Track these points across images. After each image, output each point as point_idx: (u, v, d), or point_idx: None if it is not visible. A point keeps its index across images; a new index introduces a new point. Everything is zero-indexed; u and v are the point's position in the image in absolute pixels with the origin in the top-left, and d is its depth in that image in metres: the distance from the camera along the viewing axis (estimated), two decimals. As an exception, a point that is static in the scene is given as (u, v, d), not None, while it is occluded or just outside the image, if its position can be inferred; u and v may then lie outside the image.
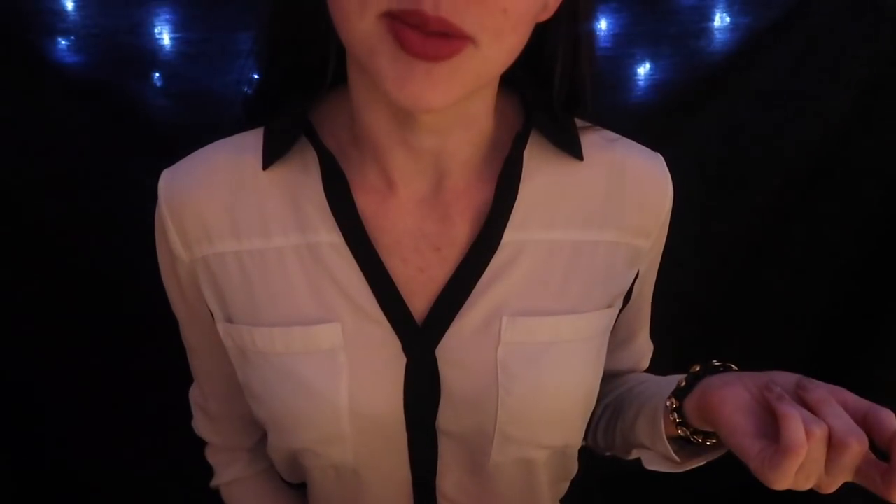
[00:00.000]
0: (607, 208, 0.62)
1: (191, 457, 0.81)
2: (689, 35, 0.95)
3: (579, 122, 0.63)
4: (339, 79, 0.58)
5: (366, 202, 0.59)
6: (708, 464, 0.64)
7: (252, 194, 0.60)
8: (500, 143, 0.60)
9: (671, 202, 0.65)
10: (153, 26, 0.88)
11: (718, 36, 0.95)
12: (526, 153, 0.60)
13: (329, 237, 0.59)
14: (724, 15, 0.95)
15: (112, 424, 1.05)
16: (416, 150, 0.57)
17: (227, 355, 0.64)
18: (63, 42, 0.87)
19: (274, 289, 0.59)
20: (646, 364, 0.79)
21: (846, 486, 0.51)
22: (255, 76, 0.63)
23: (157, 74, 0.90)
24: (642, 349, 0.78)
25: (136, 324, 0.96)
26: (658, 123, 0.96)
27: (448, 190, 0.59)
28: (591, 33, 0.60)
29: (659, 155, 0.65)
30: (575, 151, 0.61)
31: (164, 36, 0.88)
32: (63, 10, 0.86)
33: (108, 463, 1.07)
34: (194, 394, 0.77)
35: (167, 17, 0.88)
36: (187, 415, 0.78)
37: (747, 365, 1.15)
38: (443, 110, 0.48)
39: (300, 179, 0.59)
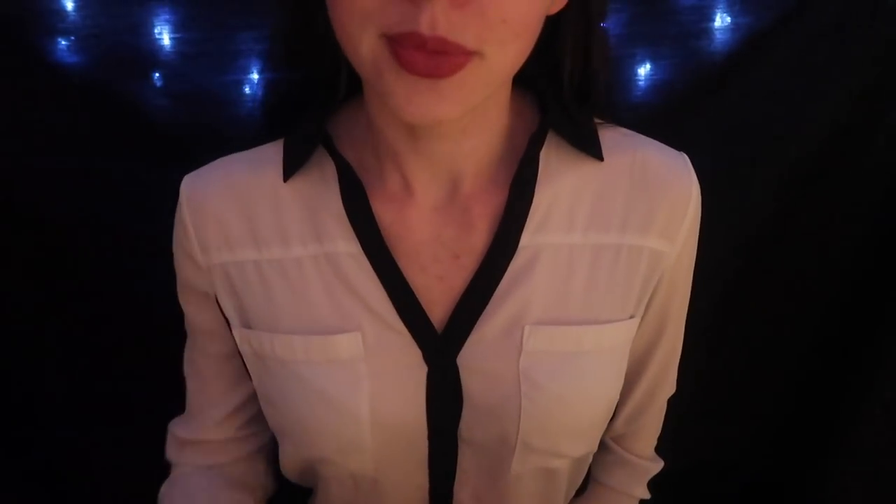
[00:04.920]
0: (629, 210, 0.60)
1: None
2: (689, 35, 0.95)
3: (597, 120, 0.62)
4: (356, 88, 0.59)
5: (384, 211, 0.58)
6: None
7: (271, 205, 0.60)
8: (516, 143, 0.59)
9: (697, 203, 0.63)
10: (153, 26, 0.88)
11: (718, 36, 0.95)
12: (543, 154, 0.59)
13: (347, 247, 0.58)
14: (725, 15, 0.94)
15: (113, 425, 1.05)
16: (430, 156, 0.56)
17: (231, 375, 0.64)
18: (63, 42, 0.87)
19: (293, 298, 0.59)
20: (648, 420, 0.74)
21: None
22: (268, 88, 0.63)
23: (157, 74, 0.90)
24: (651, 388, 0.71)
25: (137, 324, 0.96)
26: (658, 123, 0.96)
27: (465, 195, 0.58)
28: (603, 27, 0.59)
29: (683, 154, 0.64)
30: (594, 151, 0.60)
31: (164, 36, 0.88)
32: (63, 10, 0.86)
33: (109, 463, 1.07)
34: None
35: (167, 17, 0.88)
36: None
37: (746, 367, 1.15)
38: (453, 121, 0.48)
39: (319, 190, 0.59)
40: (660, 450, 0.80)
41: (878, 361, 1.07)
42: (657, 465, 0.78)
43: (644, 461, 0.77)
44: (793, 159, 1.01)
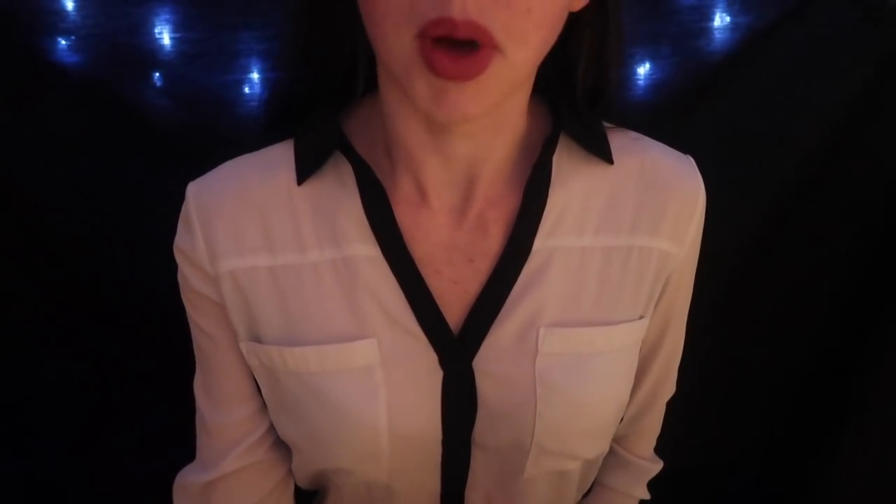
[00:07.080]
0: (638, 212, 0.61)
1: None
2: (689, 35, 0.95)
3: (605, 124, 0.62)
4: (368, 87, 0.58)
5: (399, 213, 0.58)
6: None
7: (286, 209, 0.58)
8: (530, 147, 0.59)
9: (703, 205, 0.63)
10: (153, 26, 0.88)
11: (718, 36, 0.95)
12: (556, 158, 0.59)
13: (365, 250, 0.57)
14: (724, 15, 0.95)
15: (115, 425, 1.05)
16: (449, 157, 0.56)
17: (244, 377, 0.63)
18: (63, 42, 0.87)
19: (309, 305, 0.58)
20: (650, 421, 0.75)
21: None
22: (275, 86, 0.62)
23: (157, 74, 0.90)
24: (653, 388, 0.72)
25: (138, 325, 0.96)
26: (658, 123, 0.96)
27: (480, 199, 0.58)
28: (620, 29, 0.59)
29: (689, 157, 0.64)
30: (605, 155, 0.60)
31: (164, 36, 0.88)
32: (63, 10, 0.86)
33: (111, 464, 1.07)
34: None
35: (167, 17, 0.88)
36: (192, 415, 0.78)
37: (746, 367, 1.15)
38: (479, 118, 0.49)
39: (335, 192, 0.58)
40: (659, 450, 0.80)
41: (879, 361, 1.07)
42: (657, 466, 0.78)
43: (644, 462, 0.77)
44: (792, 159, 1.01)
